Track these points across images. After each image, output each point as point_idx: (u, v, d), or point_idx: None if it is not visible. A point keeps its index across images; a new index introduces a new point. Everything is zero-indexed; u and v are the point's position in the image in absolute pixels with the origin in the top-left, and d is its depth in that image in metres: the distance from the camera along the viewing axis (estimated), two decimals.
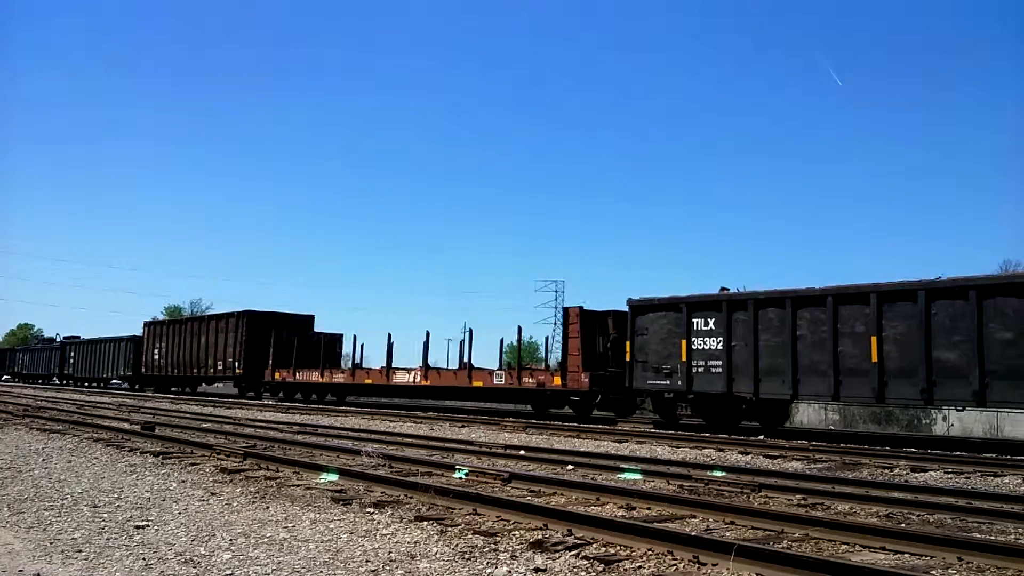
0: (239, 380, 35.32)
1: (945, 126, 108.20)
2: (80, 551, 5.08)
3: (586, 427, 18.01)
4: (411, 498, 7.13)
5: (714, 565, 4.77)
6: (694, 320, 18.09)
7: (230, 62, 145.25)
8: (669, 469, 9.90)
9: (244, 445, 11.84)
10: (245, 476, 8.66)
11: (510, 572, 4.69)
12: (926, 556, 5.19)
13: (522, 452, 12.08)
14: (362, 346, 33.77)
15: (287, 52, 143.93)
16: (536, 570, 4.73)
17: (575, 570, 4.76)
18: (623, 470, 9.61)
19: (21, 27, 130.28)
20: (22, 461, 9.77)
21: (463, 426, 18.70)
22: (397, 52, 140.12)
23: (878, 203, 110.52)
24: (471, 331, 24.89)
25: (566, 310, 21.92)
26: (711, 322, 17.80)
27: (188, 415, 20.54)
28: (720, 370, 17.48)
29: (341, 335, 34.96)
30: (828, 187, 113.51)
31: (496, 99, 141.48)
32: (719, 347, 17.57)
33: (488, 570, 4.73)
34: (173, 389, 41.94)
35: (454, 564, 4.86)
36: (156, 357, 41.22)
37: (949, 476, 10.58)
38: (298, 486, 8.00)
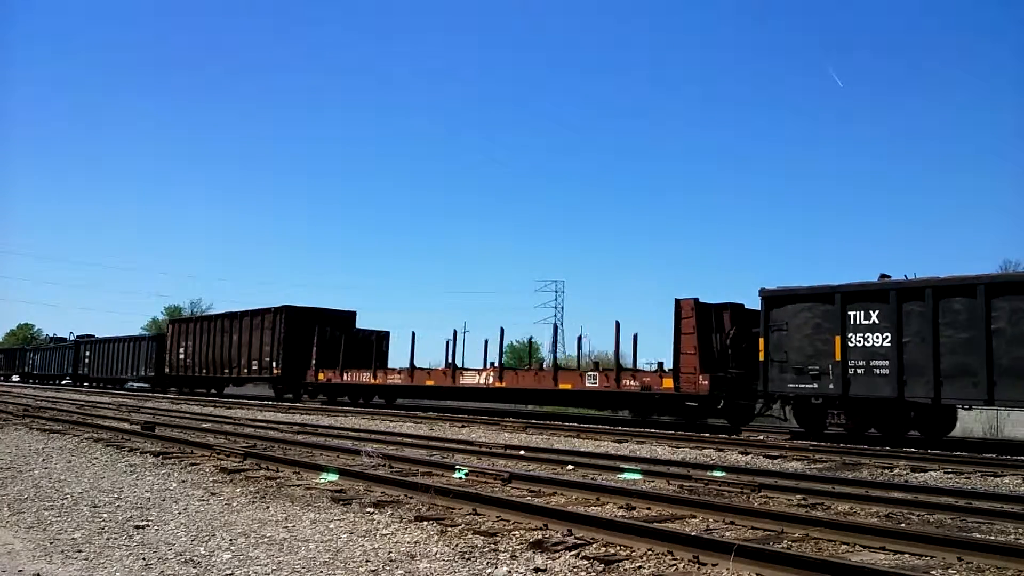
0: (276, 381, 32.47)
1: (945, 126, 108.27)
2: (80, 551, 5.09)
3: (586, 427, 18.01)
4: (411, 498, 7.13)
5: (714, 565, 4.77)
6: (851, 313, 15.61)
7: (230, 62, 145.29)
8: (669, 469, 9.91)
9: (244, 445, 11.84)
10: (245, 476, 8.66)
11: (510, 572, 4.69)
12: (926, 556, 5.19)
13: (522, 452, 12.09)
14: (412, 345, 30.07)
15: (287, 50, 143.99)
16: (536, 570, 4.73)
17: (575, 570, 4.76)
18: (623, 470, 9.61)
19: (21, 26, 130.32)
20: (22, 461, 9.77)
21: (463, 426, 18.70)
22: (398, 51, 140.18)
23: (878, 203, 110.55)
24: (556, 326, 23.86)
25: (678, 302, 18.79)
26: (874, 315, 15.34)
27: (188, 415, 20.54)
28: (887, 371, 15.05)
29: (388, 332, 31.76)
30: (828, 187, 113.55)
31: (496, 99, 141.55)
32: (886, 344, 15.12)
33: (488, 570, 4.73)
34: (198, 390, 39.28)
35: (454, 564, 4.86)
36: (181, 356, 38.60)
37: (949, 476, 10.58)
38: (298, 486, 8.00)
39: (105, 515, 6.31)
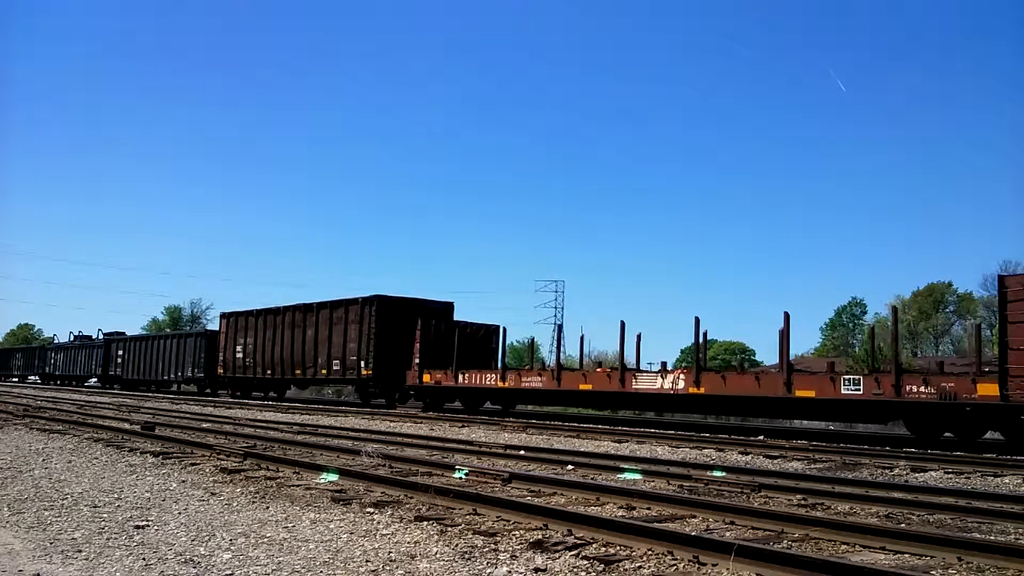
0: (365, 384, 27.88)
1: (945, 126, 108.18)
2: (80, 551, 5.08)
3: (586, 427, 18.00)
4: (411, 498, 7.13)
5: (714, 565, 4.77)
6: None
7: (230, 61, 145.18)
8: (669, 469, 9.91)
9: (244, 445, 11.84)
10: (245, 476, 8.66)
11: (510, 572, 4.69)
12: (926, 556, 5.19)
13: (522, 452, 12.08)
14: (559, 342, 25.44)
15: (288, 48, 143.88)
16: (536, 570, 4.73)
17: (575, 570, 4.75)
18: (623, 470, 9.61)
19: (21, 25, 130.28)
20: (22, 461, 9.77)
21: (463, 426, 18.69)
22: (399, 50, 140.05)
23: (877, 203, 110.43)
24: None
25: (1002, 279, 14.32)
26: None
27: (188, 415, 20.53)
28: None
29: (498, 327, 26.78)
30: (827, 187, 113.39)
31: (497, 98, 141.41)
32: None
33: (488, 570, 4.73)
34: (255, 394, 34.87)
35: (454, 564, 4.85)
36: (239, 355, 33.97)
37: (949, 476, 10.58)
38: (298, 486, 8.00)
39: (105, 515, 6.31)
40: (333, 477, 8.38)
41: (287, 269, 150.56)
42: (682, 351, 59.32)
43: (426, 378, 24.86)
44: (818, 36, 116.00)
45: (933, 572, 4.89)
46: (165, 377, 40.88)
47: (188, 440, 12.44)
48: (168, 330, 41.42)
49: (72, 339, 55.10)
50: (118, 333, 50.13)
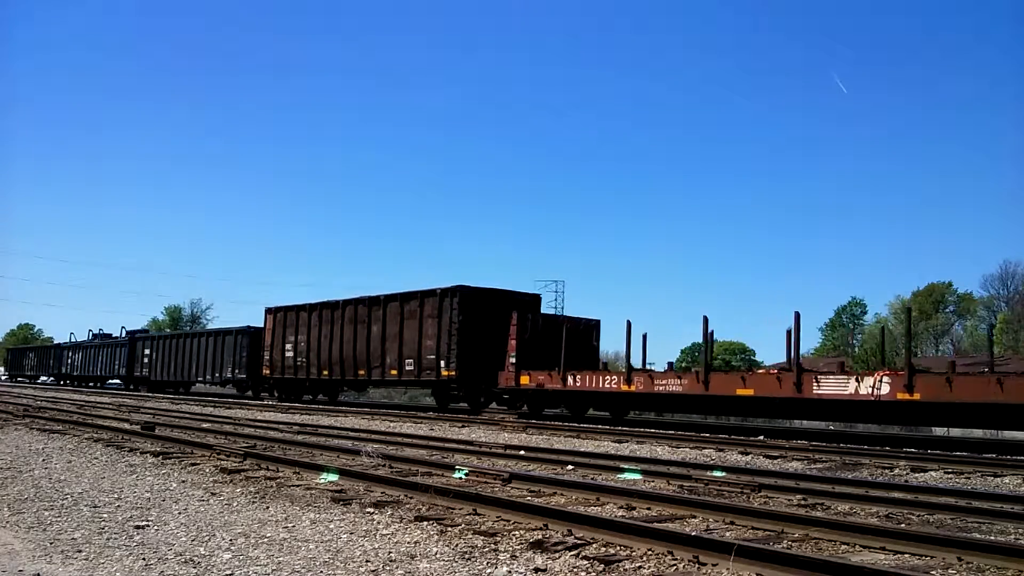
0: (445, 385, 24.54)
1: (945, 127, 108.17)
2: (80, 551, 5.08)
3: (586, 427, 17.99)
4: (411, 498, 7.13)
5: (714, 565, 4.77)
6: None
7: (230, 62, 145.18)
8: (669, 469, 9.91)
9: (244, 445, 11.84)
10: (245, 476, 8.66)
11: (510, 572, 4.69)
12: (926, 556, 5.19)
13: (522, 452, 12.08)
14: (708, 340, 19.22)
15: (288, 47, 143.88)
16: (536, 570, 4.73)
17: (575, 570, 4.75)
18: (623, 470, 9.61)
19: (21, 25, 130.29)
20: (22, 461, 9.77)
21: (463, 426, 18.69)
22: (401, 47, 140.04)
23: (877, 203, 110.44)
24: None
25: None
26: None
27: (188, 415, 20.53)
28: None
29: (598, 321, 23.97)
30: (827, 187, 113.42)
31: (497, 98, 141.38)
32: None
33: (488, 570, 4.73)
34: (305, 396, 31.48)
35: (454, 564, 4.85)
36: (288, 354, 30.55)
37: (949, 476, 10.57)
38: (298, 486, 8.00)
39: (105, 515, 6.31)
40: (333, 477, 8.38)
41: (287, 269, 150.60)
42: (682, 351, 59.39)
43: (524, 380, 21.43)
44: (818, 37, 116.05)
45: (933, 572, 4.89)
46: (200, 378, 37.50)
47: (188, 440, 12.44)
48: (213, 327, 37.85)
49: (91, 337, 51.81)
50: (142, 331, 47.45)
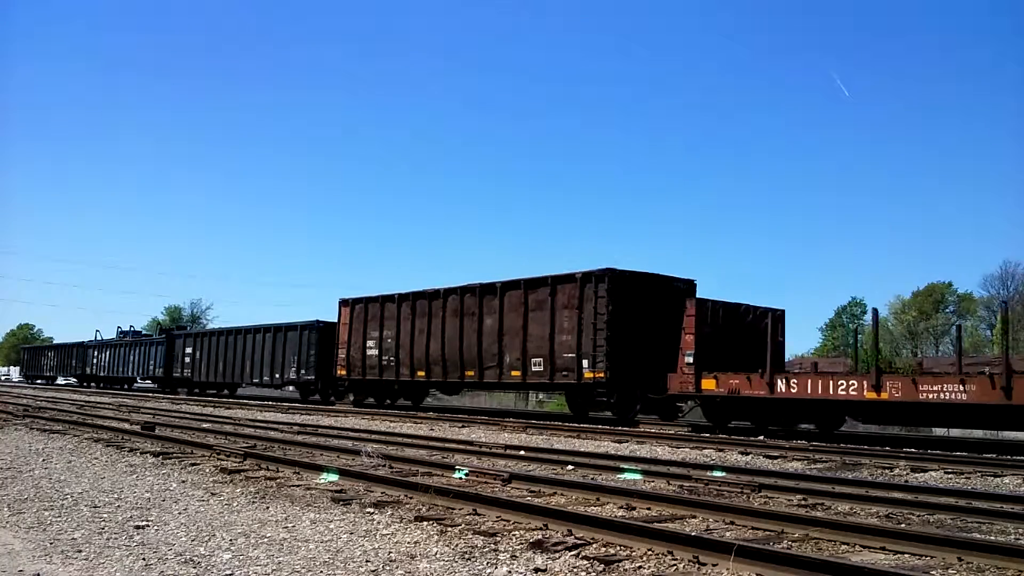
0: (589, 390, 19.87)
1: (945, 126, 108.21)
2: (80, 551, 5.09)
3: (586, 427, 17.98)
4: (411, 498, 7.14)
5: (714, 565, 4.77)
6: None
7: (230, 60, 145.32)
8: (669, 469, 9.91)
9: (244, 445, 11.84)
10: (245, 476, 8.66)
11: (510, 572, 4.69)
12: (926, 556, 5.19)
13: (522, 452, 12.09)
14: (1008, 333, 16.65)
15: (288, 47, 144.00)
16: (536, 570, 4.73)
17: (575, 570, 4.76)
18: (623, 470, 9.61)
19: (21, 26, 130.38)
20: (22, 461, 9.77)
21: (463, 426, 18.68)
22: (401, 47, 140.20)
23: (877, 203, 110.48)
24: None
25: None
26: None
27: (188, 415, 20.54)
28: None
29: (783, 311, 19.68)
30: (827, 187, 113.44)
31: (499, 97, 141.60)
32: None
33: (488, 570, 4.73)
34: (386, 401, 27.32)
35: (454, 564, 4.86)
36: (371, 352, 26.29)
37: (949, 476, 10.58)
38: (298, 486, 8.00)
39: (105, 515, 6.31)
40: (333, 477, 8.38)
41: (287, 269, 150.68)
42: None
43: (708, 384, 17.41)
44: (819, 36, 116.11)
45: (933, 572, 4.89)
46: (256, 380, 33.03)
47: (188, 440, 12.45)
48: (284, 322, 31.84)
49: (120, 335, 47.99)
50: (180, 328, 44.25)
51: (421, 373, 24.50)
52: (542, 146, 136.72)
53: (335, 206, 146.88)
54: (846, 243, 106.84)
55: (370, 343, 26.52)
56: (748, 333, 18.32)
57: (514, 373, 21.57)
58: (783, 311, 19.79)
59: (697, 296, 19.56)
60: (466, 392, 30.00)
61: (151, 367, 41.25)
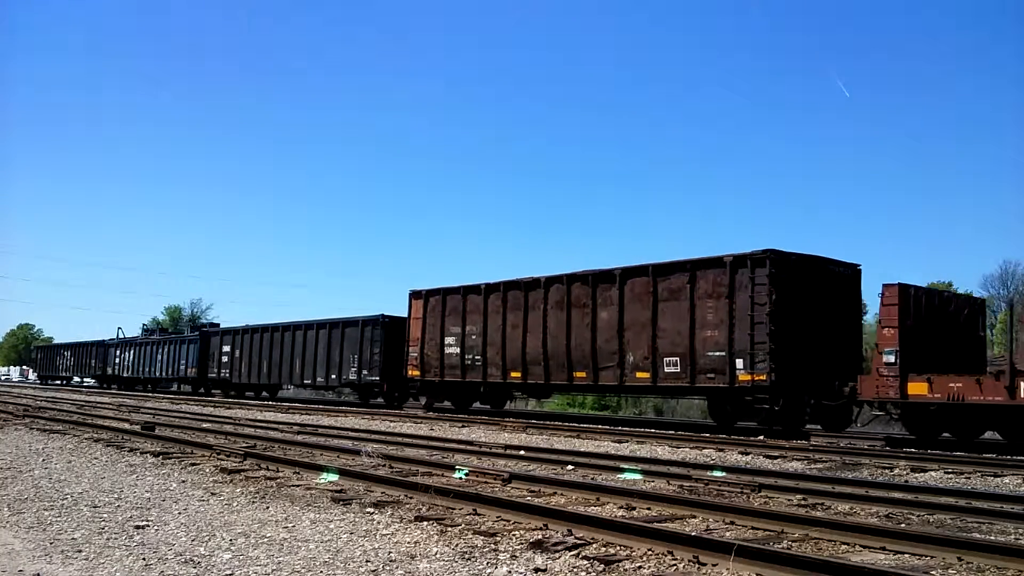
0: (737, 395, 16.86)
1: (945, 126, 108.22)
2: (80, 551, 5.09)
3: (586, 427, 17.98)
4: (411, 498, 7.14)
5: (714, 565, 4.77)
6: None
7: (230, 60, 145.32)
8: (669, 469, 9.91)
9: (244, 445, 11.84)
10: (245, 476, 8.66)
11: (510, 572, 4.69)
12: (926, 556, 5.19)
13: (522, 452, 12.09)
14: None
15: (288, 47, 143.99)
16: (536, 570, 4.73)
17: (575, 570, 4.76)
18: (623, 470, 9.61)
19: (21, 26, 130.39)
20: (22, 461, 9.77)
21: (463, 426, 18.68)
22: (402, 46, 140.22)
23: (877, 202, 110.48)
24: None
25: None
26: None
27: (188, 415, 20.54)
28: None
29: (983, 300, 18.18)
30: (827, 187, 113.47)
31: (498, 95, 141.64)
32: None
33: (488, 570, 4.73)
34: (476, 405, 24.92)
35: (454, 564, 4.86)
36: (450, 350, 23.26)
37: (949, 476, 10.58)
38: (298, 486, 8.00)
39: (105, 515, 6.31)
40: (333, 477, 8.38)
41: (287, 269, 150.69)
42: None
43: (918, 389, 14.45)
44: (818, 36, 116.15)
45: (933, 572, 4.89)
46: (307, 381, 30.10)
47: (188, 440, 12.45)
48: (343, 317, 28.63)
49: (145, 332, 45.98)
50: (212, 325, 40.82)
51: (515, 374, 21.35)
52: (543, 147, 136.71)
53: (334, 207, 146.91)
54: (846, 243, 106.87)
55: (449, 340, 23.39)
56: (949, 326, 15.77)
57: (639, 375, 18.45)
58: (984, 300, 17.00)
59: (891, 283, 15.45)
60: (555, 396, 27.11)
61: (182, 367, 38.12)
